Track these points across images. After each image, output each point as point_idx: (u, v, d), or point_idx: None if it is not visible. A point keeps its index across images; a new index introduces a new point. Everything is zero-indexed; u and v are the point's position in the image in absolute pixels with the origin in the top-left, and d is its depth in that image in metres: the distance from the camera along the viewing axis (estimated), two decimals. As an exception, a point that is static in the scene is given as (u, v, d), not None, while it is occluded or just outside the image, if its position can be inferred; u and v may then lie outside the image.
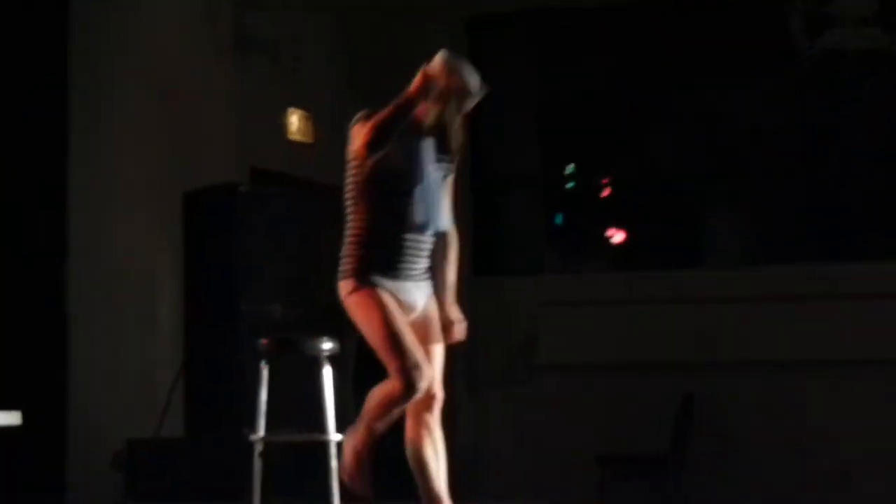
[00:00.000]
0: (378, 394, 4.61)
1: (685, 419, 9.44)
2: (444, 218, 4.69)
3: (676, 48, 10.35)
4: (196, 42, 8.66)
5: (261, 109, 9.22)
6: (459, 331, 4.75)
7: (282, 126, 9.52)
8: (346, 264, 4.58)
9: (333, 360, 5.61)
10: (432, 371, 4.60)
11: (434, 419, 4.66)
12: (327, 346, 5.54)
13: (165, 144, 8.25)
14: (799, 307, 9.57)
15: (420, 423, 4.64)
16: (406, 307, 4.62)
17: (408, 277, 4.62)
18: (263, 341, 5.61)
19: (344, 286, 4.58)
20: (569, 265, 10.67)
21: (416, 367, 4.47)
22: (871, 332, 9.34)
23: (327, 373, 5.63)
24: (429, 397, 4.61)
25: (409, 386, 4.46)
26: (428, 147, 4.65)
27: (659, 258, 10.39)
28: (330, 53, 10.12)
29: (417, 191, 4.58)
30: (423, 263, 4.64)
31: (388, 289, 4.57)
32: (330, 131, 9.88)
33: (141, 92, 8.15)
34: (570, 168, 10.80)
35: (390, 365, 4.51)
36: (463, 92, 4.61)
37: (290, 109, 9.58)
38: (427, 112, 4.61)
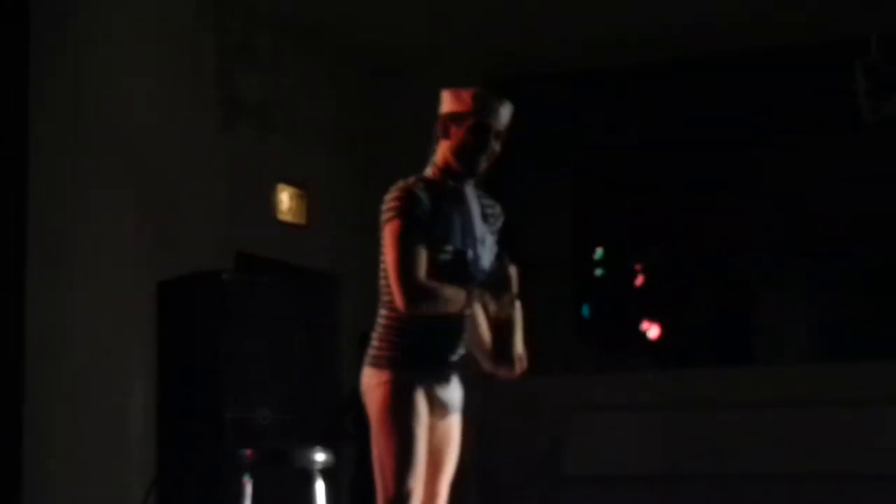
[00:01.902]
0: None
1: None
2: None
3: (722, 114, 10.31)
4: (176, 106, 8.55)
5: (248, 186, 9.12)
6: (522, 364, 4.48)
7: (271, 205, 9.37)
8: (379, 350, 4.32)
9: (327, 473, 5.54)
10: None
11: None
12: (320, 457, 5.46)
13: (138, 225, 8.13)
14: (866, 411, 9.38)
15: None
16: (441, 408, 4.40)
17: (450, 367, 4.40)
18: (247, 452, 5.53)
19: (375, 375, 4.31)
20: (600, 363, 10.60)
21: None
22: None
23: (320, 488, 5.54)
24: None
25: None
26: (469, 200, 4.43)
27: (701, 355, 10.31)
28: (327, 121, 10.04)
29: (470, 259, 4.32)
30: (463, 348, 4.39)
31: (427, 387, 4.31)
32: (326, 211, 9.80)
33: (111, 162, 8.00)
34: (598, 253, 10.71)
35: (381, 491, 4.23)
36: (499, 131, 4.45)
37: (281, 186, 9.46)
38: (456, 158, 4.36)
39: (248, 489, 5.62)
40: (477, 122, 4.38)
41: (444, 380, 4.38)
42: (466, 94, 4.40)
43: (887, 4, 7.96)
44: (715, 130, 10.38)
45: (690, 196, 10.44)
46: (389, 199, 4.26)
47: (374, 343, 4.37)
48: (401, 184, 4.28)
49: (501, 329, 4.32)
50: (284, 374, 7.92)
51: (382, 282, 4.36)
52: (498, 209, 4.58)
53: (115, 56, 8.08)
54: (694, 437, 9.66)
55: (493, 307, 4.31)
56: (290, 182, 9.54)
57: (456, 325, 4.35)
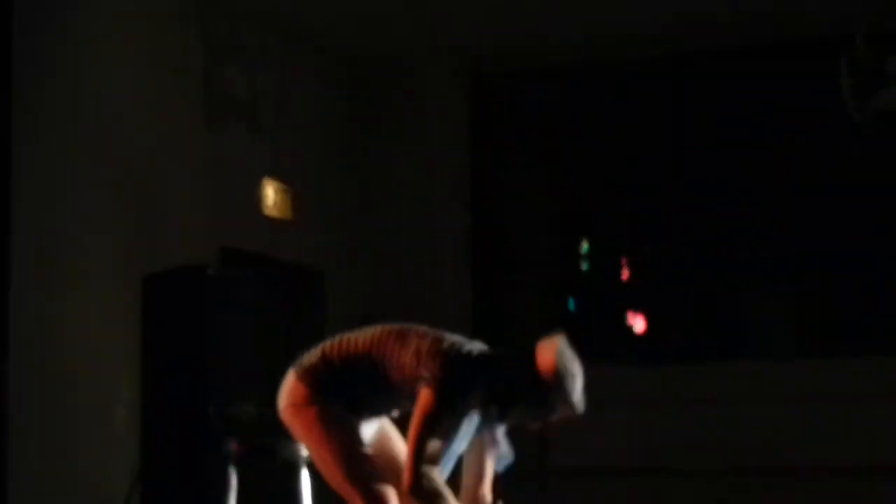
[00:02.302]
0: None
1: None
2: None
3: (706, 108, 10.33)
4: (161, 100, 8.54)
5: (233, 180, 9.11)
6: None
7: (257, 200, 9.36)
8: None
9: (313, 465, 5.36)
10: None
11: None
12: (306, 450, 5.34)
13: (122, 219, 8.12)
14: (849, 406, 9.39)
15: None
16: None
17: None
18: (233, 445, 5.54)
19: None
20: (585, 357, 10.52)
21: None
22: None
23: (305, 480, 5.51)
24: None
25: None
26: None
27: (685, 349, 10.27)
28: (314, 116, 10.04)
29: None
30: None
31: None
32: (312, 206, 9.79)
33: (97, 159, 7.99)
34: (584, 247, 10.69)
35: None
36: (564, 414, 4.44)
37: (267, 181, 9.44)
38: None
39: (234, 481, 5.62)
40: (542, 412, 4.37)
41: None
42: (557, 381, 4.35)
43: (874, 3, 7.98)
44: (700, 125, 10.39)
45: (676, 189, 10.41)
46: None
47: None
48: None
49: None
50: (269, 368, 7.87)
51: None
52: None
53: (100, 54, 8.06)
54: (679, 432, 9.65)
55: None
56: (276, 177, 9.52)
57: None
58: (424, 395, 4.23)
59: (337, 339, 4.52)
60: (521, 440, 9.88)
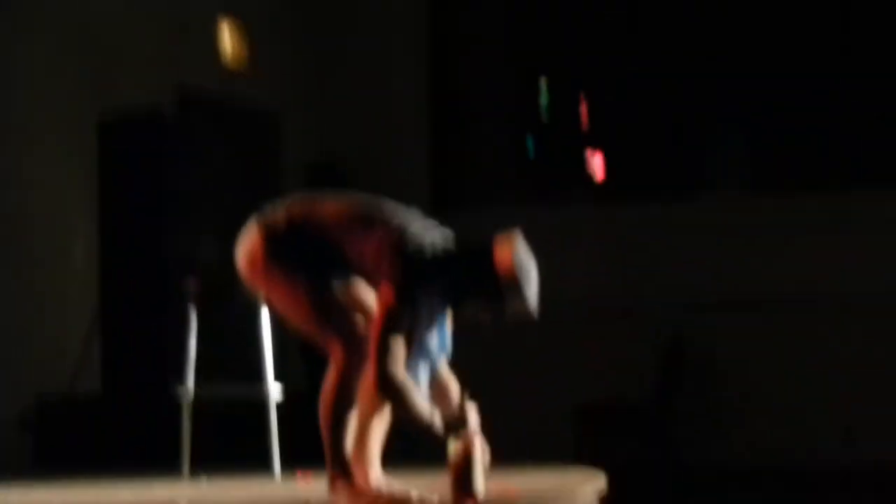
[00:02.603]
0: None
1: (673, 366, 9.39)
2: None
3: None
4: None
5: (188, 18, 8.98)
6: None
7: (213, 39, 9.27)
8: None
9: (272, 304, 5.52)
10: None
11: None
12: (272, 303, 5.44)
13: (75, 63, 8.05)
14: (799, 239, 9.46)
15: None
16: None
17: None
18: (192, 284, 5.61)
19: None
20: (543, 198, 10.55)
21: None
22: (879, 264, 9.26)
23: (265, 318, 5.58)
24: None
25: None
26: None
27: (643, 188, 10.27)
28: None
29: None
30: None
31: None
32: (269, 49, 9.70)
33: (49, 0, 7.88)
34: (541, 86, 10.65)
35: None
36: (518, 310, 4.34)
37: (223, 21, 9.32)
38: None
39: (194, 320, 5.68)
40: (495, 307, 4.32)
41: None
42: (514, 281, 4.29)
43: None
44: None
45: (634, 24, 10.33)
46: None
47: None
48: None
49: (460, 467, 4.22)
50: (227, 212, 7.86)
51: None
52: None
53: None
54: (633, 268, 9.70)
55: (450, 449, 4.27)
56: (233, 18, 9.39)
57: None
58: (385, 292, 4.23)
59: (305, 202, 4.48)
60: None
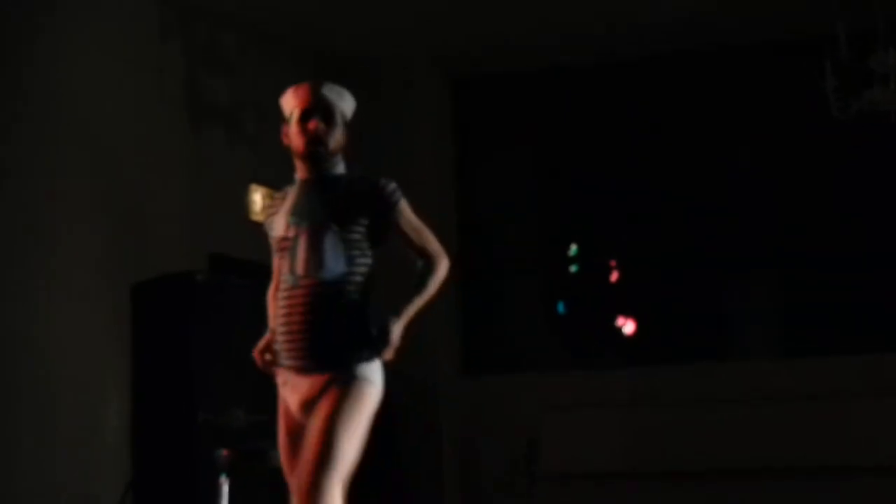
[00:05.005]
0: None
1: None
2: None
3: (692, 110, 10.35)
4: (145, 110, 8.57)
5: (218, 186, 9.12)
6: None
7: (244, 206, 9.39)
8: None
9: None
10: None
11: None
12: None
13: (109, 227, 8.14)
14: (839, 404, 9.44)
15: None
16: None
17: None
18: (224, 452, 5.57)
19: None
20: (573, 361, 10.56)
21: None
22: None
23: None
24: None
25: None
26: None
27: (674, 352, 10.27)
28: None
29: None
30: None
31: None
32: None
33: (81, 167, 8.01)
34: (572, 250, 10.71)
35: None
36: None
37: (253, 186, 9.47)
38: None
39: (225, 489, 5.64)
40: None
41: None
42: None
43: (855, 3, 8.01)
44: (685, 127, 10.40)
45: (663, 191, 10.43)
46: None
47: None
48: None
49: None
50: (258, 375, 7.84)
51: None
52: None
53: (82, 62, 8.07)
54: (665, 434, 9.67)
55: None
56: (262, 183, 9.54)
57: None
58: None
59: None
60: (509, 445, 9.96)
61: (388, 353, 4.52)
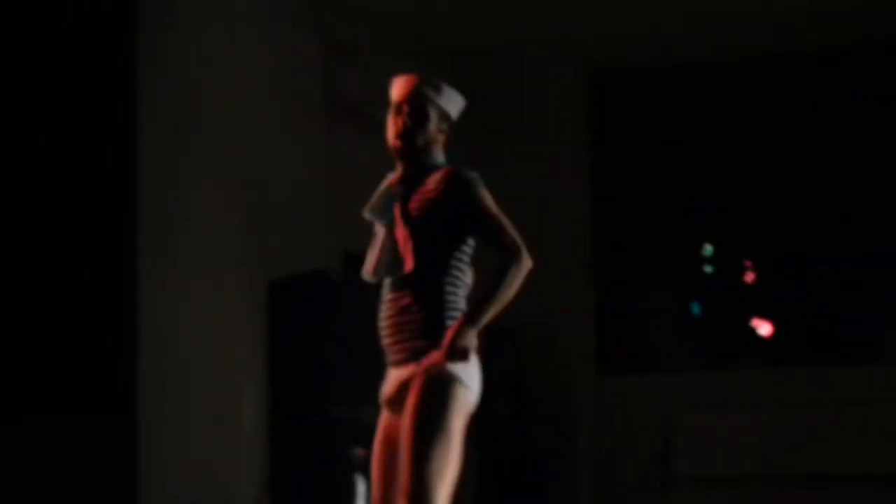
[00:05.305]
0: None
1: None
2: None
3: (832, 107, 10.19)
4: (280, 104, 8.63)
5: (354, 184, 9.11)
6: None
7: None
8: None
9: None
10: None
11: None
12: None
13: (246, 225, 8.20)
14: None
15: None
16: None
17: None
18: (359, 451, 5.58)
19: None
20: (707, 363, 10.47)
21: None
22: None
23: None
24: None
25: None
26: None
27: (811, 353, 10.14)
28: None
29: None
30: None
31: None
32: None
33: (218, 163, 8.09)
34: (707, 250, 10.61)
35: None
36: None
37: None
38: None
39: (361, 488, 5.67)
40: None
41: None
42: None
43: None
44: (824, 124, 10.26)
45: (800, 190, 10.30)
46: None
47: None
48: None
49: None
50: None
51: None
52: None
53: (218, 57, 8.14)
54: (804, 437, 9.55)
55: None
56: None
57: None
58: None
59: None
60: (643, 447, 9.91)
61: (456, 360, 4.32)
